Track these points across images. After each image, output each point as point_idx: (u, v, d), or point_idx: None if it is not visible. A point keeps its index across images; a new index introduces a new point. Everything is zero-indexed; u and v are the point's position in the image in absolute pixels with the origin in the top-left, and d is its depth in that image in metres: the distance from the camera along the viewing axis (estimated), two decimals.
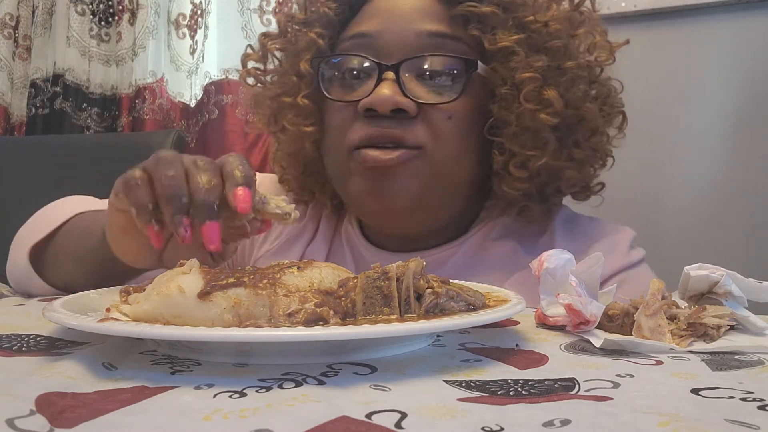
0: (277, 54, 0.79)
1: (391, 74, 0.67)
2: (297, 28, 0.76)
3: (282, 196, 0.55)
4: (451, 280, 0.47)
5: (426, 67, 0.68)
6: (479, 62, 0.68)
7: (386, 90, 0.66)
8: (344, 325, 0.40)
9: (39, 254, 0.73)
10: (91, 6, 1.86)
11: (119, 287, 0.52)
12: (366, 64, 0.70)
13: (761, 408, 0.32)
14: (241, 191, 0.49)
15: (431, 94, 0.68)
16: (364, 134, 0.68)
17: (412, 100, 0.67)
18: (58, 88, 1.82)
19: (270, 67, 0.81)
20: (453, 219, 0.76)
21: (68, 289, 0.67)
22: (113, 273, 0.62)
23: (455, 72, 0.68)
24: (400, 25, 0.69)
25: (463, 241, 0.77)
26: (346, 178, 0.72)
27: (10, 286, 0.79)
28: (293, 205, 0.54)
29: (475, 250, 0.77)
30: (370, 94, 0.67)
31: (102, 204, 0.80)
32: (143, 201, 0.50)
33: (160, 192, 0.50)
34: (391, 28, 0.69)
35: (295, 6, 0.81)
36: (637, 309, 0.48)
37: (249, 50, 0.83)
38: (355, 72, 0.70)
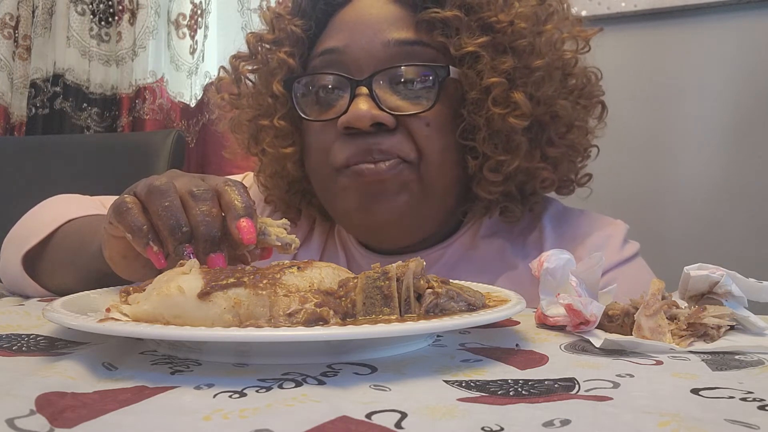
0: (250, 75, 0.78)
1: (364, 89, 0.66)
2: (267, 47, 0.75)
3: (281, 222, 0.56)
4: (451, 280, 0.47)
5: (398, 77, 0.67)
6: (451, 67, 0.68)
7: (362, 105, 0.65)
8: (344, 325, 0.40)
9: (32, 259, 0.73)
10: (91, 6, 1.86)
11: (119, 287, 0.52)
12: (338, 81, 0.69)
13: (761, 408, 0.32)
14: (244, 223, 0.50)
15: (407, 103, 0.67)
16: (350, 153, 0.67)
17: (388, 112, 0.66)
18: (58, 88, 1.82)
19: (248, 85, 0.80)
20: (440, 223, 0.76)
21: (65, 294, 0.67)
22: (110, 283, 0.62)
23: (428, 79, 0.67)
24: (367, 37, 0.68)
25: (451, 242, 0.77)
26: (334, 196, 0.72)
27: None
28: (294, 236, 0.55)
29: (464, 251, 0.77)
30: (346, 111, 0.66)
31: (90, 202, 0.80)
32: (137, 224, 0.50)
33: (159, 224, 0.50)
34: (359, 40, 0.68)
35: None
36: (637, 309, 0.48)
37: (222, 72, 0.82)
38: (328, 88, 0.70)
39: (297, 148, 0.75)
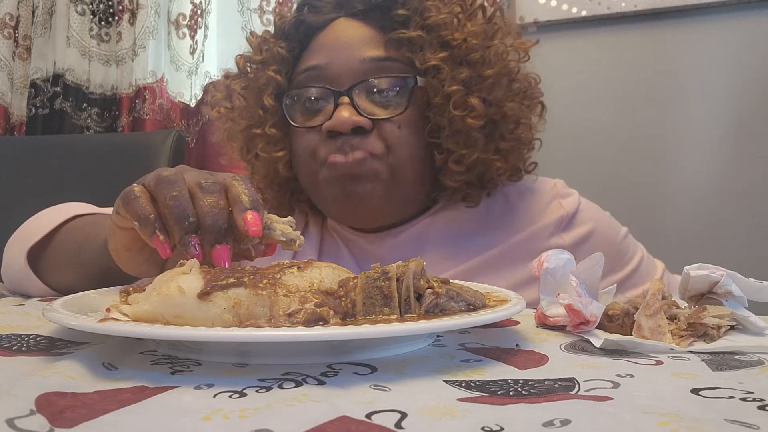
0: (241, 91, 0.88)
1: (345, 98, 0.77)
2: (255, 67, 0.86)
3: (287, 219, 0.56)
4: (451, 280, 0.47)
5: (374, 87, 0.78)
6: (417, 77, 0.79)
7: (345, 112, 0.76)
8: (344, 325, 0.40)
9: (36, 256, 0.73)
10: (91, 6, 1.86)
11: (119, 287, 0.52)
12: (322, 92, 0.80)
13: (761, 408, 0.32)
14: (251, 215, 0.50)
15: (381, 109, 0.78)
16: (330, 150, 0.78)
17: (366, 117, 0.77)
18: (58, 88, 1.82)
19: (239, 100, 0.90)
20: (414, 207, 0.86)
21: (67, 293, 0.67)
22: (113, 280, 0.62)
23: (399, 88, 0.79)
24: (345, 54, 0.79)
25: (420, 220, 0.87)
26: (318, 188, 0.82)
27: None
28: (298, 232, 0.55)
29: (426, 228, 0.87)
30: (331, 117, 0.77)
31: (95, 207, 0.81)
32: (144, 213, 0.51)
33: (166, 213, 0.51)
34: (339, 58, 0.79)
35: (272, 27, 0.89)
36: (637, 309, 0.48)
37: (212, 88, 0.90)
38: (313, 99, 0.81)
39: (287, 151, 0.85)
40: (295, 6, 0.88)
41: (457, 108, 0.78)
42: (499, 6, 0.86)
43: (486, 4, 0.83)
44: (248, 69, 0.88)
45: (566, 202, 0.85)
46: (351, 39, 0.80)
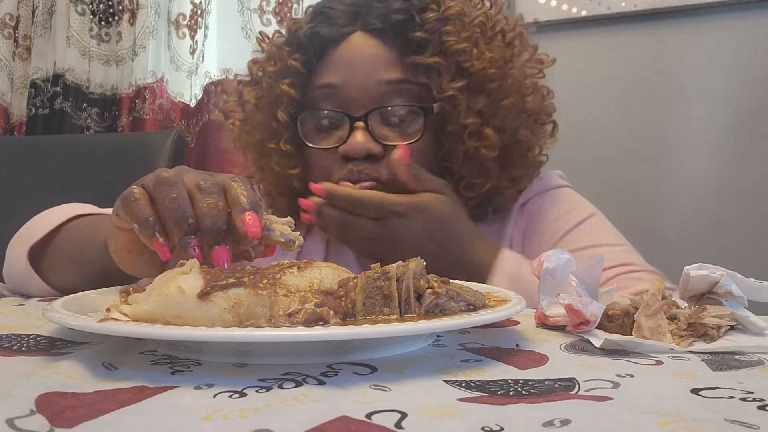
0: (255, 101, 0.88)
1: (361, 123, 0.78)
2: (269, 78, 0.85)
3: (285, 219, 0.56)
4: (451, 280, 0.47)
5: (390, 113, 0.79)
6: (434, 105, 0.79)
7: (359, 138, 0.77)
8: (344, 325, 0.40)
9: (37, 256, 0.73)
10: (91, 6, 1.86)
11: (119, 287, 0.52)
12: (338, 115, 0.80)
13: (761, 408, 0.32)
14: (249, 216, 0.50)
15: (396, 135, 0.79)
16: (344, 175, 0.79)
17: (380, 143, 0.78)
18: (58, 88, 1.82)
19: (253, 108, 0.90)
20: None
21: (67, 292, 0.67)
22: (114, 280, 0.62)
23: (415, 116, 0.79)
24: (361, 75, 0.79)
25: None
26: None
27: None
28: (297, 232, 0.56)
29: None
30: (346, 141, 0.78)
31: (97, 208, 0.81)
32: (144, 215, 0.51)
33: (165, 214, 0.51)
34: (354, 78, 0.79)
35: (281, 30, 0.88)
36: (637, 309, 0.48)
37: (220, 90, 0.89)
38: (329, 120, 0.81)
39: (301, 168, 0.85)
40: (307, 12, 0.86)
41: (471, 138, 0.78)
42: (520, 31, 0.85)
43: (506, 27, 0.82)
44: (261, 77, 0.86)
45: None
46: (367, 58, 0.79)
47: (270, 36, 0.89)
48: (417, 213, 0.73)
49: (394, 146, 0.77)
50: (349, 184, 0.77)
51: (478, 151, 0.79)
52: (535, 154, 0.86)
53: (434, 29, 0.78)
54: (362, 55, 0.80)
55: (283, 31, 0.87)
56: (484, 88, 0.79)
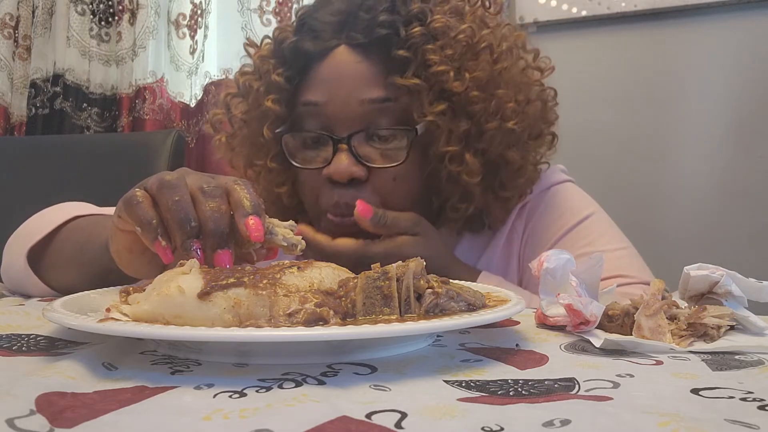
0: (242, 116, 0.87)
1: (344, 145, 0.76)
2: (255, 92, 0.83)
3: (288, 223, 0.56)
4: (450, 280, 0.47)
5: (373, 135, 0.77)
6: (417, 127, 0.77)
7: (343, 161, 0.76)
8: (344, 325, 0.40)
9: (36, 256, 0.73)
10: (91, 6, 1.86)
11: (119, 287, 0.52)
12: (321, 137, 0.79)
13: (761, 408, 0.32)
14: (252, 220, 0.50)
15: (380, 156, 0.78)
16: (328, 204, 0.78)
17: (363, 165, 0.77)
18: (58, 88, 1.82)
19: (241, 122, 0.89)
20: None
21: (67, 292, 0.67)
22: (114, 281, 0.62)
23: (398, 138, 0.77)
24: (344, 94, 0.77)
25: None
26: (321, 229, 0.81)
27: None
28: (300, 237, 0.56)
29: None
30: (330, 162, 0.77)
31: (96, 208, 0.81)
32: (147, 218, 0.51)
33: (168, 217, 0.50)
34: (337, 97, 0.77)
35: (270, 37, 0.86)
36: (637, 309, 0.48)
37: (213, 97, 0.88)
38: (312, 140, 0.80)
39: (289, 185, 0.85)
40: (296, 17, 0.84)
41: (452, 163, 0.77)
42: (515, 41, 0.82)
43: (494, 42, 0.78)
44: (248, 91, 0.85)
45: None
46: (350, 76, 0.77)
47: (259, 43, 0.87)
48: (392, 260, 0.73)
49: (379, 168, 0.77)
50: (337, 219, 0.77)
51: (459, 176, 0.78)
52: (528, 172, 0.83)
53: (417, 46, 0.75)
54: (345, 72, 0.78)
55: (271, 38, 0.85)
56: (467, 111, 0.77)
